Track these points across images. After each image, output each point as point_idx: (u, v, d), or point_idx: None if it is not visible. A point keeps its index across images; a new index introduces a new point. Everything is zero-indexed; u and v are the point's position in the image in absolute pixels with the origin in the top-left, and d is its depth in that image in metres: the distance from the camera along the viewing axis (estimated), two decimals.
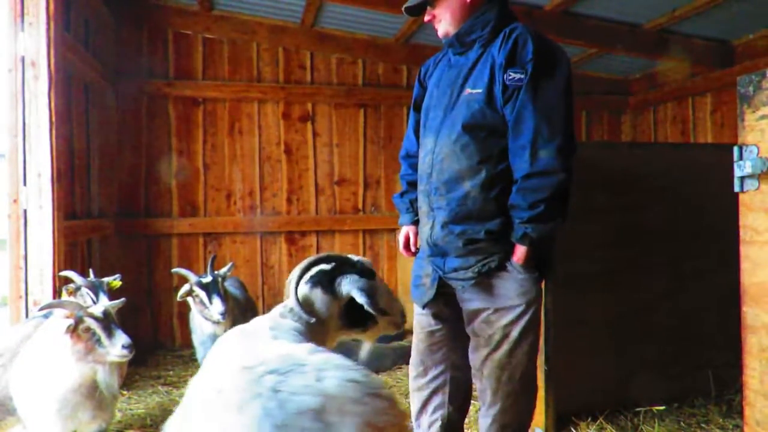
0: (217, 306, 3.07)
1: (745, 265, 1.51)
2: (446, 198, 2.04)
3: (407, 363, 4.23)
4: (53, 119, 3.12)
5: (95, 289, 2.81)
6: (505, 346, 2.03)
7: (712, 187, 3.25)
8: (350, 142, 5.32)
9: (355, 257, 1.88)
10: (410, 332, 4.77)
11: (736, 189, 1.51)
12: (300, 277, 1.77)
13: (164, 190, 4.88)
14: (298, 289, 1.77)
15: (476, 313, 2.06)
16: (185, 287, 3.16)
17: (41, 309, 2.28)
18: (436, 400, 2.25)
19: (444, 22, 2.12)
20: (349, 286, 1.75)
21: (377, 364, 4.12)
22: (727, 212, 3.12)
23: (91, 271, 3.08)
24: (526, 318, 2.01)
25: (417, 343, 2.31)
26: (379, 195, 5.41)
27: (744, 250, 1.51)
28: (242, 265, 4.97)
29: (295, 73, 5.20)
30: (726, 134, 4.98)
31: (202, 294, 3.11)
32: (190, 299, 3.19)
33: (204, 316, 3.14)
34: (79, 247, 3.81)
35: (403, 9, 2.20)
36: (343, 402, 1.13)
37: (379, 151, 5.39)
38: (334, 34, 5.18)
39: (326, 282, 1.79)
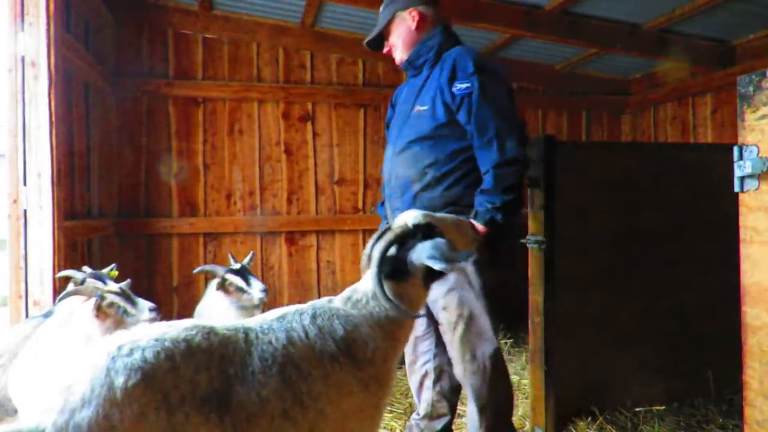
0: (256, 285, 3.04)
1: (745, 265, 1.50)
2: (401, 200, 2.36)
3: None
4: (53, 119, 3.12)
5: (100, 278, 2.79)
6: (461, 325, 2.27)
7: (712, 187, 3.25)
8: (350, 142, 5.32)
9: (410, 219, 1.69)
10: None
11: (736, 189, 1.51)
12: (380, 272, 1.61)
13: (164, 190, 4.88)
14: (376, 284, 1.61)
15: (435, 303, 2.33)
16: (215, 281, 3.11)
17: (61, 299, 2.32)
18: (427, 383, 2.62)
19: (398, 50, 2.48)
20: (422, 260, 1.61)
21: None
22: (726, 212, 3.13)
23: (86, 267, 3.04)
24: (474, 296, 2.26)
25: None
26: (379, 195, 5.39)
27: (744, 250, 1.51)
28: None
29: (295, 73, 5.20)
30: (726, 134, 4.98)
31: (237, 279, 3.06)
32: (219, 293, 3.12)
33: (240, 304, 3.05)
34: (79, 247, 3.81)
35: (364, 43, 2.59)
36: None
37: (379, 151, 5.38)
38: (334, 34, 5.18)
39: (399, 268, 1.65)
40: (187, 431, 1.26)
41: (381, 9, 2.51)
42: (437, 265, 1.56)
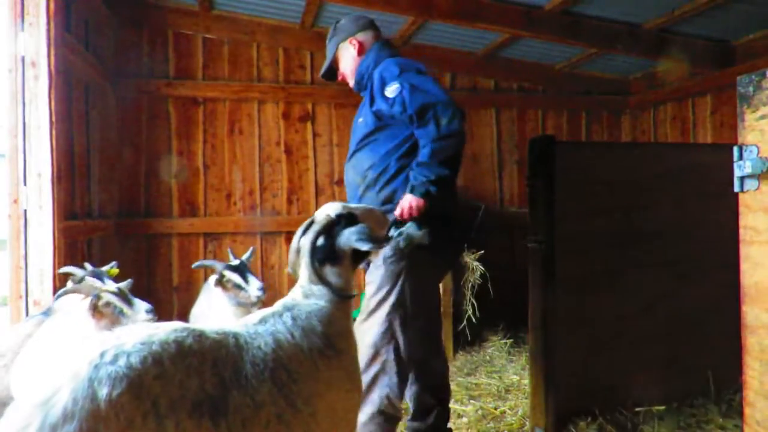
0: (254, 283, 3.02)
1: (745, 265, 1.50)
2: (353, 201, 2.57)
3: None
4: (53, 119, 3.12)
5: (99, 276, 2.79)
6: (365, 314, 2.43)
7: (712, 187, 3.25)
8: (350, 142, 5.31)
9: (332, 210, 1.87)
10: None
11: (736, 189, 1.51)
12: (313, 259, 1.77)
13: (164, 190, 4.88)
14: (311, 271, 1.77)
15: (366, 285, 2.50)
16: (213, 276, 3.09)
17: (58, 296, 2.34)
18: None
19: (349, 78, 2.74)
20: (350, 243, 1.79)
21: None
22: (726, 212, 3.12)
23: (87, 264, 3.04)
24: (383, 294, 2.37)
25: None
26: None
27: (744, 250, 1.51)
28: None
29: (295, 73, 5.20)
30: (726, 134, 4.97)
31: (235, 276, 3.04)
32: (217, 289, 3.10)
33: (238, 301, 3.02)
34: (79, 247, 3.81)
35: (320, 76, 2.86)
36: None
37: None
38: None
39: (330, 254, 1.81)
40: None
41: (327, 42, 2.78)
42: (364, 246, 1.75)
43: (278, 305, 1.72)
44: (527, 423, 3.09)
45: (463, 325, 4.38)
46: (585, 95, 6.02)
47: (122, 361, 1.21)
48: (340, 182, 5.29)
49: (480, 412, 3.31)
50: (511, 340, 4.61)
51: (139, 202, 4.82)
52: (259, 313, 1.68)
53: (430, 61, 5.49)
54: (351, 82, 2.75)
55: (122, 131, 4.75)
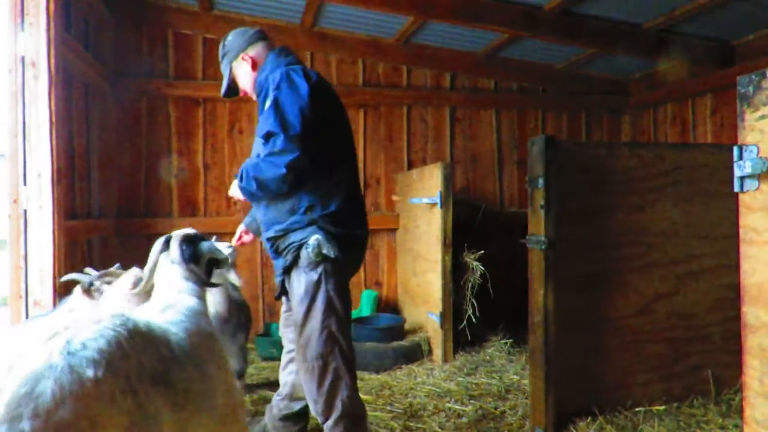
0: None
1: (745, 265, 1.50)
2: (260, 209, 2.57)
3: (408, 362, 4.25)
4: (53, 119, 3.12)
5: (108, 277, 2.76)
6: (298, 329, 2.41)
7: (712, 187, 3.26)
8: None
9: (188, 230, 2.22)
10: (410, 332, 4.76)
11: (736, 189, 1.51)
12: (186, 261, 2.15)
13: (164, 190, 4.88)
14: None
15: (290, 299, 2.49)
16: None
17: (99, 277, 2.53)
18: (291, 367, 2.79)
19: (252, 94, 2.71)
20: (212, 249, 2.22)
21: (377, 363, 4.11)
22: (726, 212, 3.13)
23: (90, 269, 3.02)
24: (308, 301, 2.37)
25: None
26: (379, 195, 5.41)
27: (744, 250, 1.51)
28: (242, 265, 4.96)
29: None
30: (726, 134, 4.98)
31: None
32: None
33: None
34: (79, 247, 3.81)
35: (221, 95, 2.82)
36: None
37: (379, 151, 5.38)
38: (334, 34, 5.18)
39: (195, 258, 2.17)
40: (150, 408, 1.35)
41: (220, 61, 2.73)
42: (221, 255, 2.24)
43: (174, 299, 1.93)
44: (527, 423, 3.09)
45: (463, 325, 4.38)
46: (585, 95, 6.03)
47: (93, 346, 1.30)
48: None
49: (480, 412, 3.31)
50: (511, 340, 4.61)
51: (139, 202, 4.82)
52: (156, 305, 1.87)
53: (430, 61, 5.52)
54: (255, 98, 2.70)
55: (122, 131, 4.75)
